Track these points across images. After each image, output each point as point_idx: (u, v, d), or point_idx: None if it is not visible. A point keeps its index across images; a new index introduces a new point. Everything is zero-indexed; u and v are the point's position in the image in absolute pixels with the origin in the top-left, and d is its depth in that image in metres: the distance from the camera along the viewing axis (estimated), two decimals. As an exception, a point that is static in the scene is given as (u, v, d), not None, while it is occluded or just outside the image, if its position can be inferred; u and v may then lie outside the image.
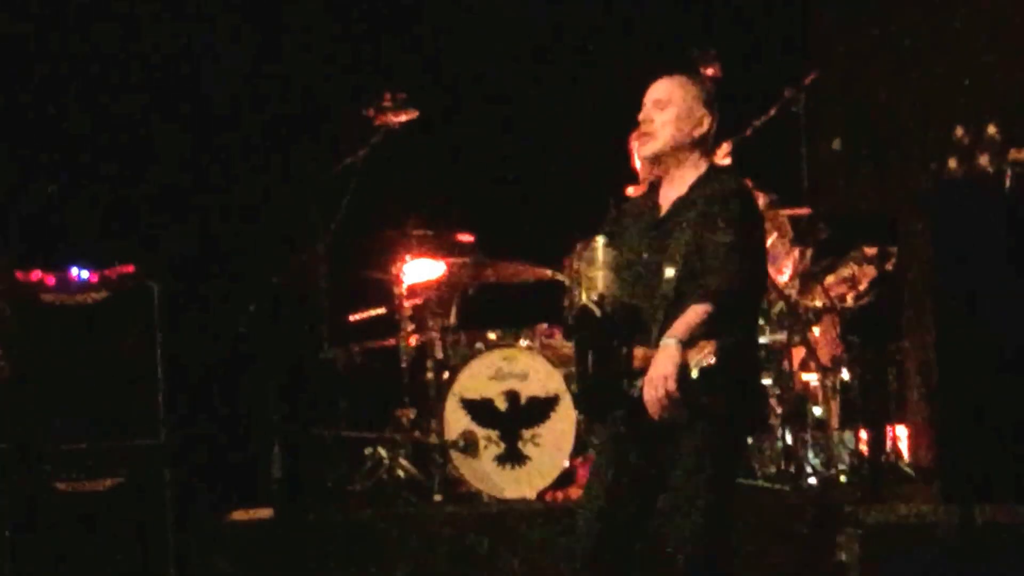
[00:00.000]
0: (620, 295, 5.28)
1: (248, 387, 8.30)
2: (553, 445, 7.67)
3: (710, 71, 7.42)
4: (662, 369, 4.98)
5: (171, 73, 8.92)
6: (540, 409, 7.74)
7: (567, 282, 8.04)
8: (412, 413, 8.07)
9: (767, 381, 7.68)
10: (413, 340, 8.14)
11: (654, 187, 5.42)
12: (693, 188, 5.26)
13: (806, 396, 7.87)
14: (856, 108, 8.66)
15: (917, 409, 8.17)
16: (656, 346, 5.04)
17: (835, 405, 7.90)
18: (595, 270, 7.93)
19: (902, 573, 6.52)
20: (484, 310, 8.42)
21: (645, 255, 5.29)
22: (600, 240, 7.95)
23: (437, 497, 7.76)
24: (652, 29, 9.21)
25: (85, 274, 7.48)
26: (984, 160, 6.54)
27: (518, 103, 9.28)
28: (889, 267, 7.82)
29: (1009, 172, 6.54)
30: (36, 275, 7.46)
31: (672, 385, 4.96)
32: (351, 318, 8.42)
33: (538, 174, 9.22)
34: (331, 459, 8.10)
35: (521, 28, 9.33)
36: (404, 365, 8.10)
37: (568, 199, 8.86)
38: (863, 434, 7.90)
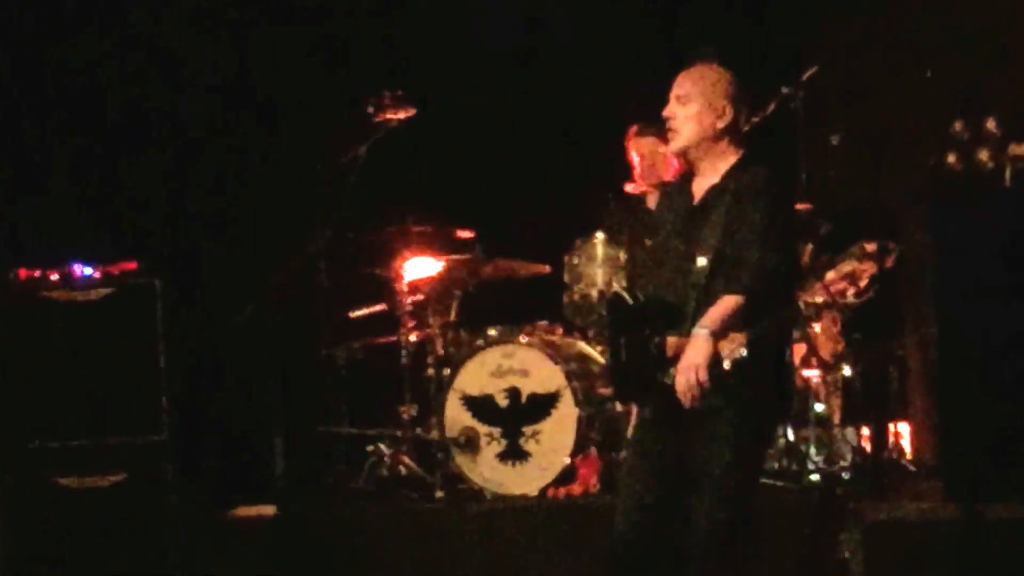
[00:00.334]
0: (654, 284, 5.36)
1: (250, 384, 8.30)
2: (554, 442, 7.67)
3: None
4: (694, 359, 5.07)
5: (174, 69, 8.92)
6: (541, 406, 7.73)
7: (567, 278, 8.05)
8: (413, 410, 8.07)
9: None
10: (414, 337, 8.14)
11: (688, 177, 5.46)
12: (725, 178, 5.31)
13: (808, 392, 7.87)
14: (855, 104, 8.66)
15: (919, 405, 8.16)
16: (688, 335, 5.11)
17: (837, 401, 7.90)
18: (594, 266, 8.02)
19: (905, 570, 6.52)
20: (484, 307, 8.42)
21: (678, 244, 5.34)
22: (599, 236, 8.03)
23: (438, 494, 7.76)
24: (651, 25, 9.22)
25: (88, 270, 7.49)
26: (984, 155, 6.54)
27: (517, 99, 9.28)
28: (889, 263, 7.81)
29: (1009, 167, 6.54)
30: (39, 271, 7.48)
31: (704, 375, 5.05)
32: (352, 315, 8.42)
33: (537, 171, 9.22)
34: (333, 456, 8.12)
35: (521, 24, 9.33)
36: (405, 362, 8.11)
37: (567, 196, 8.87)
38: (865, 430, 7.90)
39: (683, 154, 5.42)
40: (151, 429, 7.45)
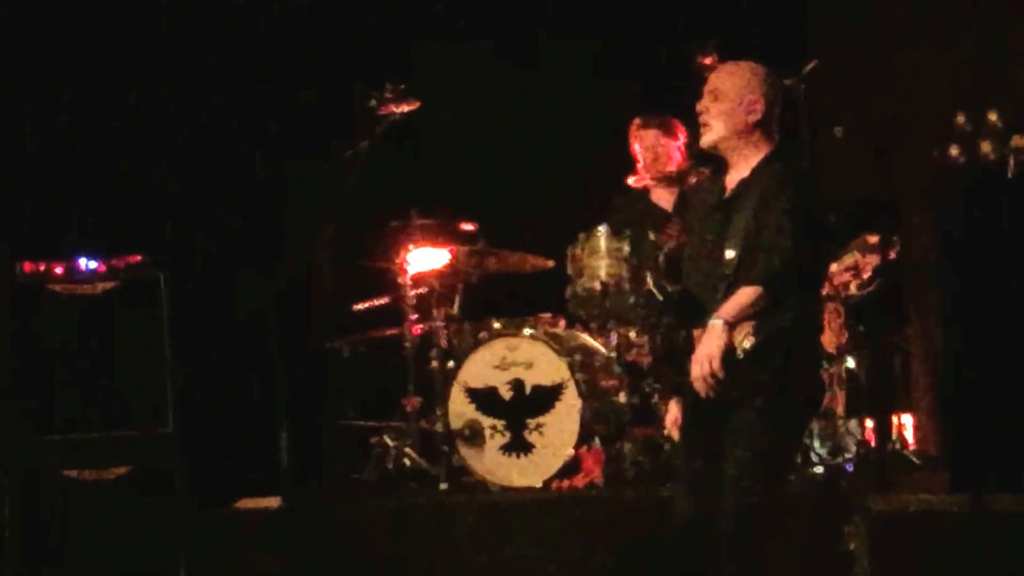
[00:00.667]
0: (691, 277, 5.42)
1: (255, 377, 8.31)
2: (558, 434, 7.67)
3: (708, 61, 7.43)
4: (707, 349, 5.13)
5: (177, 64, 8.92)
6: (545, 398, 7.74)
7: (570, 271, 8.06)
8: (418, 402, 8.09)
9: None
10: (417, 329, 8.16)
11: (720, 170, 5.50)
12: (755, 171, 5.36)
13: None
14: (857, 96, 8.66)
15: (923, 397, 8.17)
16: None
17: (841, 394, 7.91)
18: (597, 259, 8.02)
19: (910, 562, 6.53)
20: (488, 299, 8.43)
21: (708, 237, 5.39)
22: (602, 229, 8.03)
23: (443, 486, 7.78)
24: (652, 19, 9.22)
25: (93, 264, 7.50)
26: (986, 147, 6.53)
27: (521, 92, 9.28)
28: (892, 255, 7.82)
29: (1012, 159, 6.54)
30: (44, 265, 7.48)
31: (717, 364, 5.10)
32: (356, 307, 8.43)
33: (541, 164, 9.23)
34: (338, 448, 8.13)
35: (522, 19, 9.34)
36: (409, 354, 8.12)
37: (571, 188, 8.88)
38: (869, 422, 7.90)
39: (714, 149, 5.46)
40: (157, 422, 7.46)
